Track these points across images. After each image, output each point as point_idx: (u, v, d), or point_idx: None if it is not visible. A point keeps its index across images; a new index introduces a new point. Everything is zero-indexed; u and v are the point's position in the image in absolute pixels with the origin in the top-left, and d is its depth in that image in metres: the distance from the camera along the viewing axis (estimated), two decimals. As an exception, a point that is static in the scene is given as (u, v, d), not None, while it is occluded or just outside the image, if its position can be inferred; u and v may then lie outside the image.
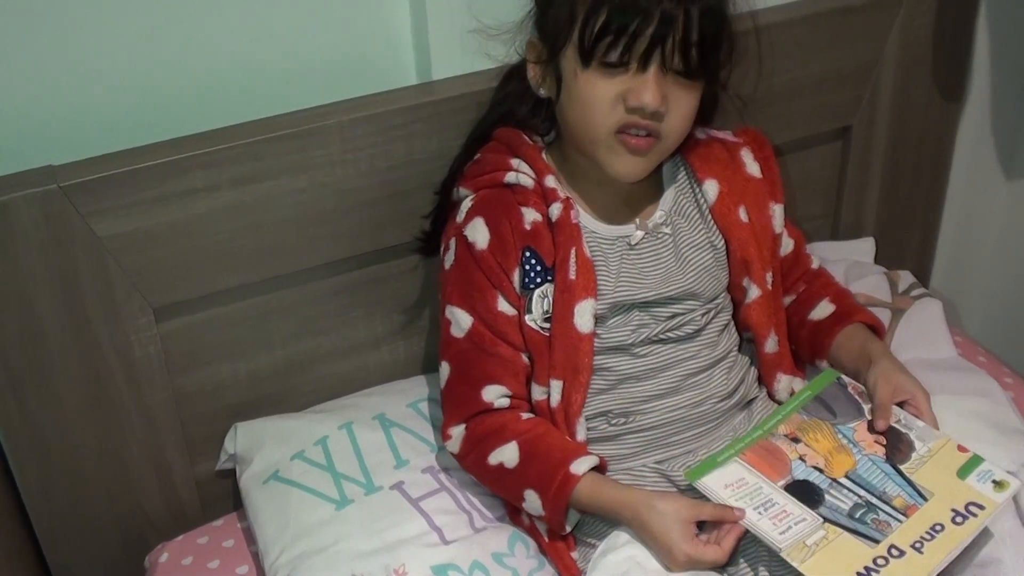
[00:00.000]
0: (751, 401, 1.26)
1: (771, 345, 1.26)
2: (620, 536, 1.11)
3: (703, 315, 1.21)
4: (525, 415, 1.18)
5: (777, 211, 1.27)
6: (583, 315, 1.14)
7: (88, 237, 1.14)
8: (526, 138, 1.21)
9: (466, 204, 1.20)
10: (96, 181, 1.12)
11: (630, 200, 1.22)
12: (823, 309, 1.30)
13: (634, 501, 1.09)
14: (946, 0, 1.54)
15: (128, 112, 1.22)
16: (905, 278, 1.54)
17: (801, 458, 1.12)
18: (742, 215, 1.23)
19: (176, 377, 1.27)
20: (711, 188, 1.23)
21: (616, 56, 1.07)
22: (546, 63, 1.15)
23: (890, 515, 1.04)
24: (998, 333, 1.85)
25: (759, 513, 1.05)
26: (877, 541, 1.02)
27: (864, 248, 1.65)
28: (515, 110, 1.23)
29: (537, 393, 1.18)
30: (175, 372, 1.27)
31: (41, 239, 1.12)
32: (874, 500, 1.06)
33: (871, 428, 1.15)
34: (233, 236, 1.22)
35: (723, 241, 1.23)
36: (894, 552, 1.00)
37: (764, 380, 1.28)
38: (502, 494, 1.21)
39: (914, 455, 1.11)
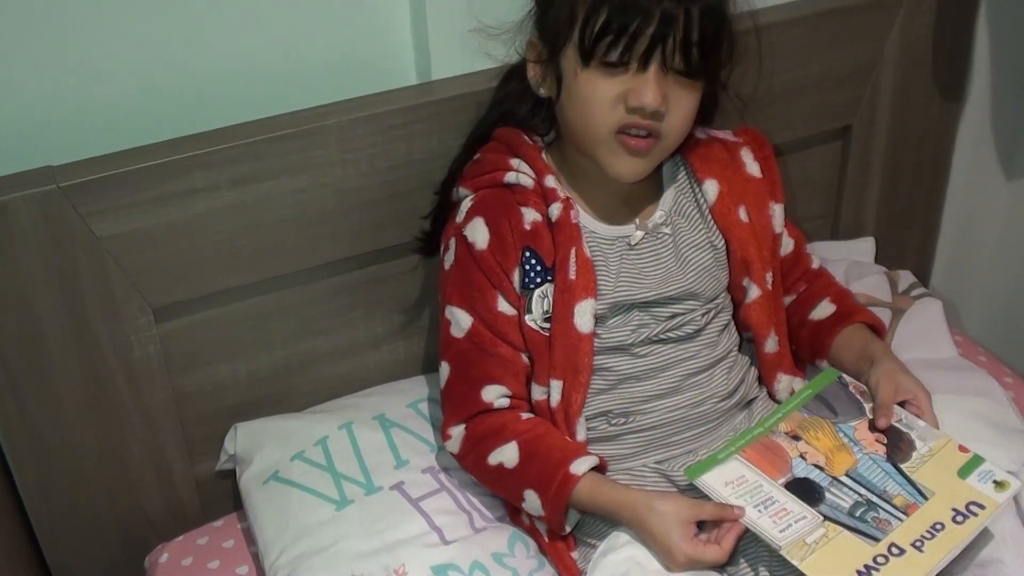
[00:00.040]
0: (751, 401, 1.26)
1: (771, 345, 1.26)
2: (620, 536, 1.11)
3: (703, 315, 1.21)
4: (525, 415, 1.18)
5: (777, 211, 1.27)
6: (583, 315, 1.14)
7: (87, 237, 1.14)
8: (526, 138, 1.21)
9: (466, 204, 1.20)
10: (95, 181, 1.12)
11: (630, 200, 1.22)
12: (824, 309, 1.30)
13: (633, 502, 1.09)
14: (946, 0, 1.53)
15: (128, 112, 1.22)
16: (905, 278, 1.54)
17: (802, 456, 1.12)
18: (742, 215, 1.23)
19: (176, 377, 1.27)
20: (711, 188, 1.23)
21: (616, 56, 1.07)
22: (546, 63, 1.15)
23: (891, 514, 1.04)
24: (998, 333, 1.85)
25: (759, 511, 1.05)
26: (877, 539, 1.02)
27: (864, 248, 1.65)
28: (515, 110, 1.23)
29: (537, 393, 1.18)
30: (175, 372, 1.27)
31: (40, 239, 1.12)
32: (875, 499, 1.06)
33: (872, 427, 1.15)
34: (233, 236, 1.22)
35: (723, 241, 1.23)
36: (894, 550, 1.00)
37: (764, 380, 1.28)
38: (502, 494, 1.21)
39: (915, 454, 1.11)
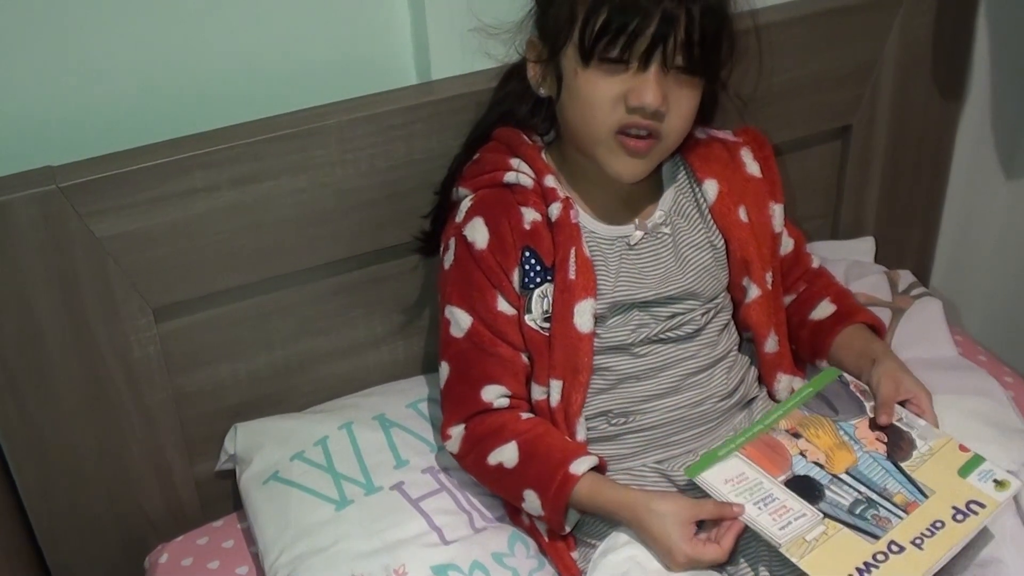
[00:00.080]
0: (751, 401, 1.26)
1: (771, 345, 1.26)
2: (620, 536, 1.11)
3: (703, 315, 1.21)
4: (525, 415, 1.18)
5: (777, 211, 1.27)
6: (583, 315, 1.14)
7: (87, 238, 1.14)
8: (525, 138, 1.21)
9: (465, 204, 1.20)
10: (95, 182, 1.12)
11: (630, 200, 1.22)
12: (824, 309, 1.30)
13: (633, 502, 1.09)
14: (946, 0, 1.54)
15: (127, 113, 1.22)
16: (905, 277, 1.54)
17: (802, 453, 1.12)
18: (742, 215, 1.23)
19: (176, 377, 1.27)
20: (711, 188, 1.23)
21: (617, 55, 1.07)
22: (546, 62, 1.15)
23: (891, 511, 1.04)
24: (998, 332, 1.85)
25: (759, 508, 1.05)
26: (877, 537, 1.02)
27: (864, 247, 1.65)
28: (515, 110, 1.23)
29: (537, 393, 1.18)
30: (175, 372, 1.27)
31: (40, 240, 1.12)
32: (875, 496, 1.06)
33: (872, 425, 1.15)
34: (233, 236, 1.22)
35: (723, 241, 1.23)
36: (894, 548, 1.00)
37: (764, 380, 1.28)
38: (502, 494, 1.21)
39: (915, 453, 1.11)
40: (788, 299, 1.33)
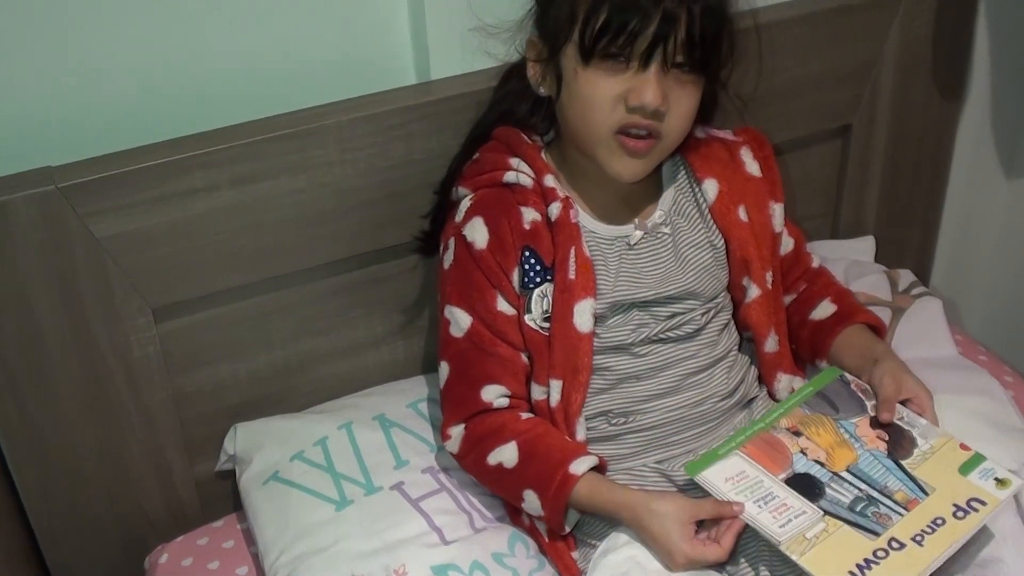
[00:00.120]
0: (751, 400, 1.26)
1: (771, 344, 1.26)
2: (620, 536, 1.11)
3: (703, 314, 1.21)
4: (524, 415, 1.17)
5: (777, 210, 1.27)
6: (582, 315, 1.14)
7: (86, 238, 1.14)
8: (525, 137, 1.21)
9: (465, 204, 1.20)
10: (94, 182, 1.12)
11: (629, 200, 1.22)
12: (824, 309, 1.30)
13: (633, 503, 1.09)
14: (945, -1, 1.54)
15: (127, 113, 1.22)
16: (905, 277, 1.54)
17: (802, 451, 1.12)
18: (742, 214, 1.23)
19: (175, 377, 1.27)
20: (711, 187, 1.23)
21: (617, 54, 1.07)
22: (546, 61, 1.15)
23: (891, 509, 1.04)
24: (998, 332, 1.85)
25: (759, 507, 1.05)
26: (877, 534, 1.02)
27: (864, 247, 1.65)
28: (515, 109, 1.23)
29: (537, 393, 1.18)
30: (174, 372, 1.27)
31: (39, 240, 1.12)
32: (875, 494, 1.06)
33: (873, 424, 1.15)
34: (232, 236, 1.22)
35: (723, 240, 1.23)
36: (894, 545, 1.00)
37: (764, 379, 1.28)
38: (501, 494, 1.21)
39: (916, 451, 1.11)
40: (788, 299, 1.33)
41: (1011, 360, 1.50)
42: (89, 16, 1.16)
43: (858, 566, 0.98)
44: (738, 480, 1.08)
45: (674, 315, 1.19)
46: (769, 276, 1.24)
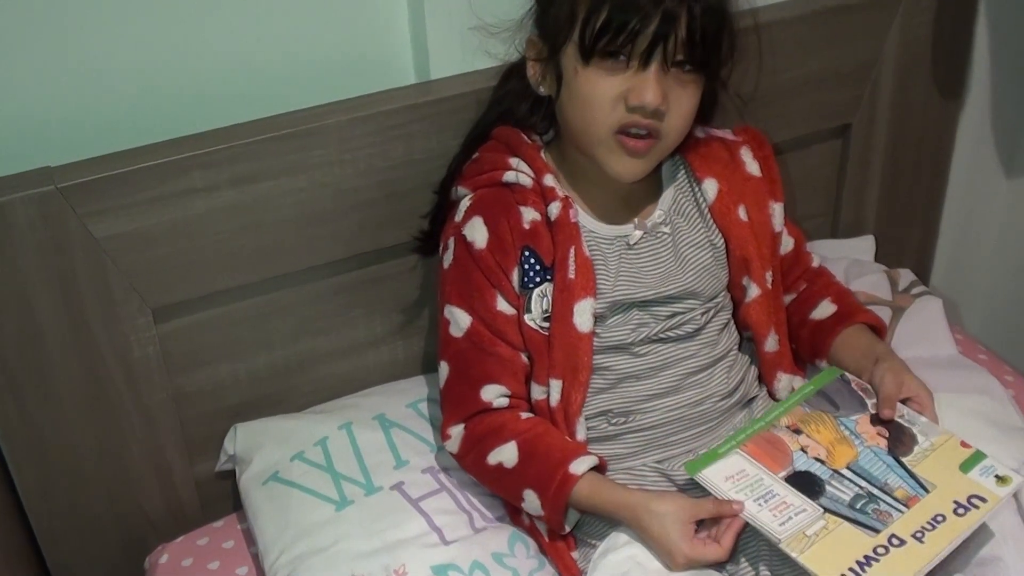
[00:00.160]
0: (751, 400, 1.26)
1: (771, 344, 1.26)
2: (620, 536, 1.11)
3: (703, 314, 1.21)
4: (524, 415, 1.17)
5: (777, 210, 1.27)
6: (582, 314, 1.14)
7: (86, 238, 1.14)
8: (525, 137, 1.21)
9: (465, 203, 1.20)
10: (94, 182, 1.12)
11: (629, 200, 1.22)
12: (824, 309, 1.30)
13: (632, 503, 1.09)
14: (945, -2, 1.54)
15: (126, 113, 1.22)
16: (905, 276, 1.54)
17: (803, 449, 1.12)
18: (741, 214, 1.23)
19: (175, 377, 1.27)
20: (710, 187, 1.22)
21: (617, 54, 1.07)
22: (546, 61, 1.15)
23: (891, 506, 1.04)
24: (999, 331, 1.85)
25: (759, 505, 1.05)
26: (878, 531, 1.02)
27: (864, 246, 1.65)
28: (514, 108, 1.22)
29: (537, 393, 1.17)
30: (174, 372, 1.27)
31: (39, 240, 1.12)
32: (875, 491, 1.06)
33: (874, 421, 1.15)
34: (232, 236, 1.22)
35: (722, 240, 1.23)
36: (895, 541, 1.00)
37: (764, 379, 1.28)
38: (501, 494, 1.20)
39: (917, 448, 1.11)
40: (788, 298, 1.33)
41: (1011, 359, 1.50)
42: (89, 16, 1.16)
43: (858, 563, 0.98)
44: (738, 479, 1.08)
45: (674, 315, 1.19)
46: (769, 276, 1.24)
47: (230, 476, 1.33)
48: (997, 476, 1.07)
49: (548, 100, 1.19)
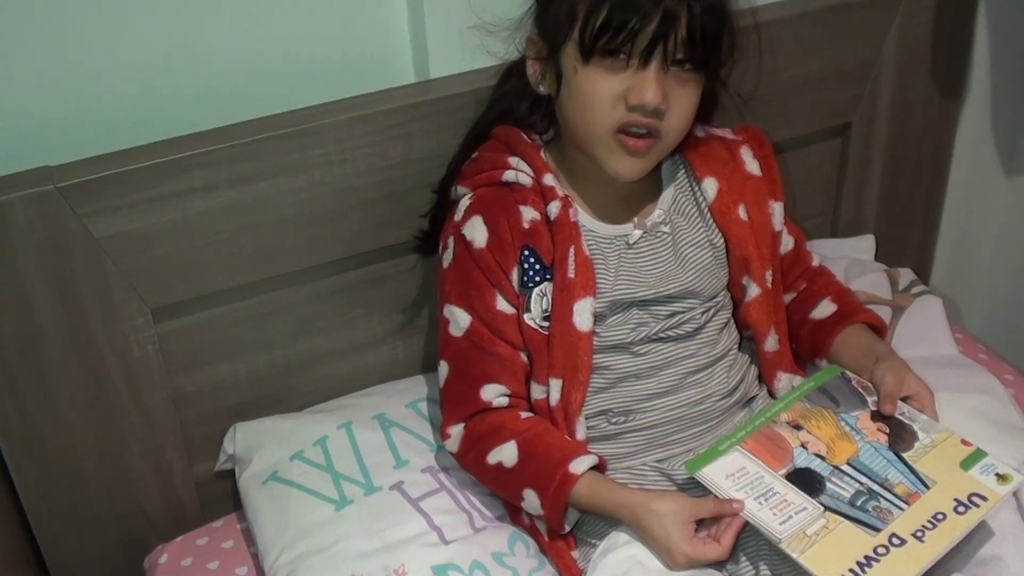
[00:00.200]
0: (751, 399, 1.26)
1: (771, 343, 1.25)
2: (620, 535, 1.10)
3: (703, 313, 1.21)
4: (524, 414, 1.17)
5: (777, 209, 1.27)
6: (582, 314, 1.14)
7: (85, 238, 1.14)
8: (524, 136, 1.21)
9: (464, 203, 1.20)
10: (93, 181, 1.12)
11: (629, 199, 1.21)
12: (825, 308, 1.30)
13: (632, 503, 1.09)
14: (945, -3, 1.54)
15: (126, 113, 1.22)
16: (905, 275, 1.54)
17: (803, 445, 1.12)
18: (741, 213, 1.23)
19: (175, 377, 1.27)
20: (710, 186, 1.22)
21: (617, 52, 1.07)
22: (546, 60, 1.15)
23: (892, 503, 1.04)
24: (999, 330, 1.85)
25: (759, 503, 1.05)
26: (878, 530, 1.01)
27: (864, 246, 1.65)
28: (514, 107, 1.22)
29: (536, 392, 1.17)
30: (174, 372, 1.27)
31: (38, 240, 1.11)
32: (876, 487, 1.06)
33: (874, 417, 1.15)
34: (231, 236, 1.22)
35: (722, 239, 1.23)
36: (895, 541, 1.00)
37: (764, 378, 1.28)
38: (501, 493, 1.20)
39: (917, 445, 1.11)
40: (788, 297, 1.33)
41: (1011, 359, 1.50)
42: (89, 16, 1.15)
43: (859, 563, 0.98)
44: (739, 477, 1.08)
45: (674, 314, 1.19)
46: (769, 275, 1.24)
47: (230, 476, 1.33)
48: (998, 474, 1.06)
49: (548, 99, 1.19)
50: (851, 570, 0.98)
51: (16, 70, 1.15)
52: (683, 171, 1.25)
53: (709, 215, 1.23)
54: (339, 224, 1.27)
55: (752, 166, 1.26)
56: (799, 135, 1.54)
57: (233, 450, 1.31)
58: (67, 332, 1.17)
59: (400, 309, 1.38)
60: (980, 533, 1.05)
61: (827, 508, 1.04)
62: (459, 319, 1.17)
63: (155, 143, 1.18)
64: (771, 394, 1.28)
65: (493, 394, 1.16)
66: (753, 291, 1.23)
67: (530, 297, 1.16)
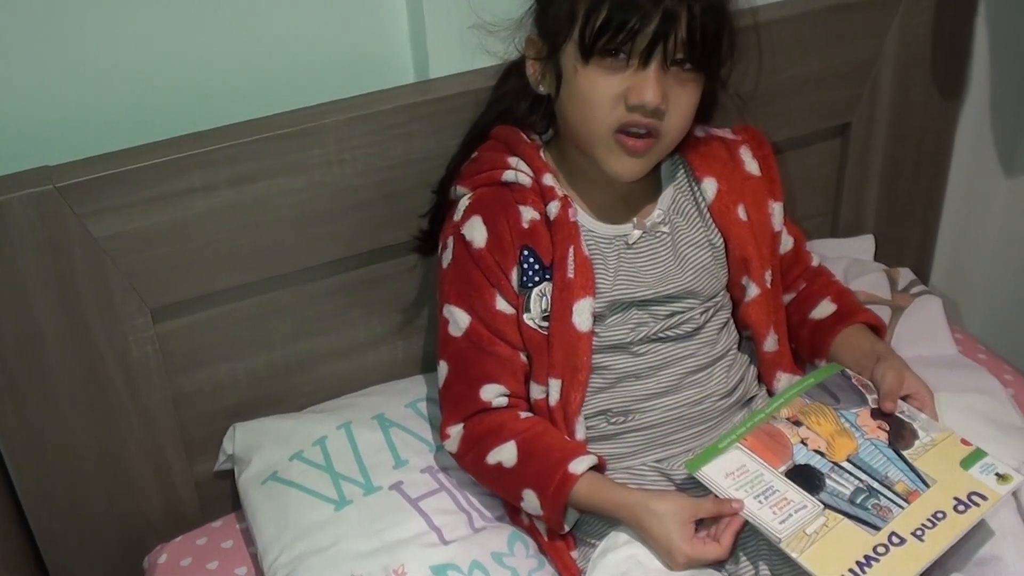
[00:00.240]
0: (751, 399, 1.26)
1: (770, 344, 1.25)
2: (620, 535, 1.10)
3: (702, 313, 1.21)
4: (523, 414, 1.17)
5: (776, 209, 1.27)
6: (581, 313, 1.14)
7: (84, 238, 1.13)
8: (524, 136, 1.21)
9: (464, 203, 1.20)
10: (92, 181, 1.12)
11: (628, 199, 1.21)
12: (824, 308, 1.30)
13: (632, 503, 1.09)
14: (945, -3, 1.54)
15: (125, 113, 1.22)
16: (905, 275, 1.54)
17: (803, 442, 1.12)
18: (741, 213, 1.23)
19: (174, 377, 1.27)
20: (710, 186, 1.22)
21: (617, 52, 1.07)
22: (546, 60, 1.15)
23: (892, 500, 1.04)
24: (998, 330, 1.85)
25: (760, 502, 1.05)
26: (878, 528, 1.01)
27: (864, 246, 1.65)
28: (514, 107, 1.22)
29: (536, 392, 1.17)
30: (173, 372, 1.27)
31: (37, 240, 1.11)
32: (876, 485, 1.06)
33: (875, 415, 1.15)
34: (231, 236, 1.22)
35: (722, 239, 1.23)
36: (895, 540, 1.00)
37: (764, 378, 1.28)
38: (500, 493, 1.20)
39: (917, 443, 1.11)
40: (788, 297, 1.33)
41: (1011, 359, 1.50)
42: (88, 16, 1.15)
43: (858, 563, 0.98)
44: (738, 475, 1.08)
45: (673, 314, 1.19)
46: (768, 275, 1.24)
47: (229, 476, 1.33)
48: (998, 474, 1.06)
49: (547, 99, 1.19)
50: (851, 570, 0.98)
51: (16, 70, 1.15)
52: (682, 171, 1.25)
53: (708, 215, 1.23)
54: (339, 224, 1.27)
55: (752, 166, 1.26)
56: (799, 135, 1.54)
57: (232, 450, 1.31)
58: (66, 332, 1.17)
59: (400, 309, 1.38)
60: (980, 533, 1.05)
61: (827, 506, 1.04)
62: (458, 319, 1.17)
63: (155, 143, 1.17)
64: (770, 394, 1.27)
65: (492, 394, 1.16)
66: (752, 291, 1.23)
67: (529, 297, 1.16)
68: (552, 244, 1.16)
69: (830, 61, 1.49)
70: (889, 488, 1.06)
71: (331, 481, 1.23)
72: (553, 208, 1.16)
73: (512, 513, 1.22)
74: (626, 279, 1.18)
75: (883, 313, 1.41)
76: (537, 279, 1.16)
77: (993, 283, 1.86)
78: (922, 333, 1.41)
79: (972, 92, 1.69)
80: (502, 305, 1.16)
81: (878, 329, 1.30)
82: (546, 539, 1.18)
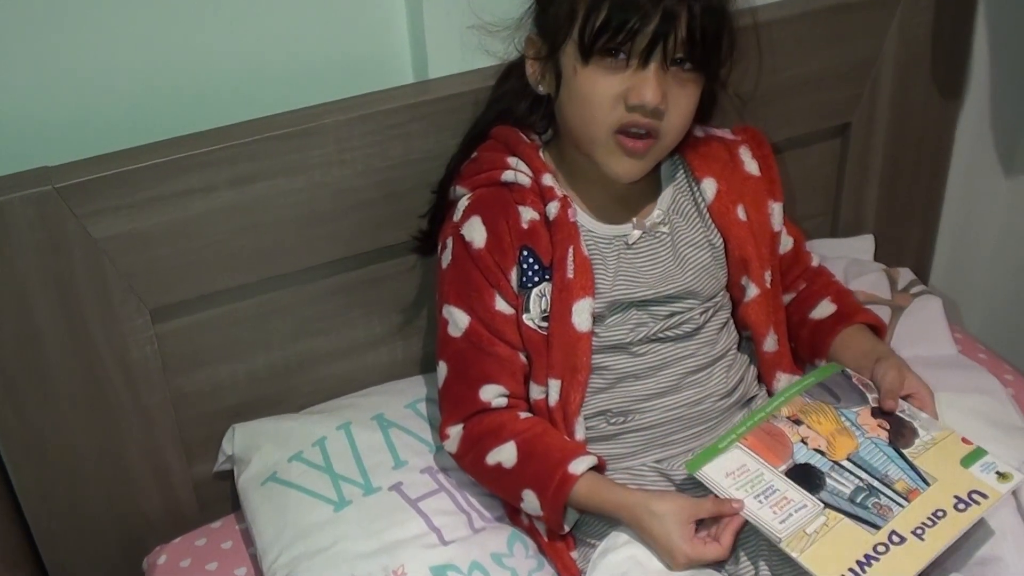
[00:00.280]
0: (750, 400, 1.26)
1: (770, 344, 1.25)
2: (620, 536, 1.10)
3: (702, 313, 1.21)
4: (523, 414, 1.17)
5: (776, 209, 1.27)
6: (581, 314, 1.14)
7: (84, 238, 1.13)
8: (523, 136, 1.21)
9: (463, 203, 1.20)
10: (92, 182, 1.12)
11: (628, 199, 1.21)
12: (824, 308, 1.30)
13: (632, 503, 1.09)
14: (944, -3, 1.54)
15: (125, 113, 1.22)
16: (905, 275, 1.54)
17: (803, 441, 1.12)
18: (740, 214, 1.22)
19: (174, 378, 1.27)
20: (709, 187, 1.22)
21: (616, 52, 1.07)
22: (545, 60, 1.15)
23: (892, 499, 1.04)
24: (998, 330, 1.85)
25: (760, 502, 1.05)
26: (878, 527, 1.01)
27: (863, 246, 1.65)
28: (513, 108, 1.22)
29: (535, 392, 1.17)
30: (173, 373, 1.26)
31: (36, 241, 1.11)
32: (876, 483, 1.06)
33: (875, 414, 1.15)
34: (230, 236, 1.22)
35: (721, 240, 1.23)
36: (895, 539, 1.00)
37: (764, 379, 1.28)
38: (500, 494, 1.20)
39: (917, 441, 1.11)
40: (788, 298, 1.33)
41: (1011, 359, 1.50)
42: (88, 16, 1.15)
43: (858, 563, 0.98)
44: (739, 474, 1.08)
45: (673, 314, 1.19)
46: (768, 275, 1.24)
47: (228, 477, 1.33)
48: (998, 472, 1.06)
49: (547, 99, 1.19)
50: (851, 569, 0.97)
51: (15, 70, 1.15)
52: (682, 171, 1.25)
53: (708, 215, 1.22)
54: (338, 224, 1.27)
55: (751, 166, 1.26)
56: (799, 135, 1.54)
57: (232, 451, 1.31)
58: (66, 333, 1.17)
59: (399, 309, 1.38)
60: (980, 532, 1.05)
61: (827, 505, 1.04)
62: (458, 319, 1.17)
63: (154, 143, 1.17)
64: (770, 394, 1.27)
65: (492, 394, 1.16)
66: (752, 291, 1.23)
67: (529, 297, 1.16)
68: (551, 244, 1.15)
69: (830, 61, 1.49)
70: (889, 487, 1.06)
71: (331, 482, 1.23)
72: (552, 208, 1.16)
73: (512, 514, 1.22)
74: (626, 279, 1.18)
75: (883, 313, 1.41)
76: (536, 279, 1.16)
77: (993, 283, 1.86)
78: (922, 333, 1.41)
79: (972, 92, 1.68)
80: (501, 305, 1.16)
81: (878, 330, 1.30)
82: (546, 539, 1.18)
